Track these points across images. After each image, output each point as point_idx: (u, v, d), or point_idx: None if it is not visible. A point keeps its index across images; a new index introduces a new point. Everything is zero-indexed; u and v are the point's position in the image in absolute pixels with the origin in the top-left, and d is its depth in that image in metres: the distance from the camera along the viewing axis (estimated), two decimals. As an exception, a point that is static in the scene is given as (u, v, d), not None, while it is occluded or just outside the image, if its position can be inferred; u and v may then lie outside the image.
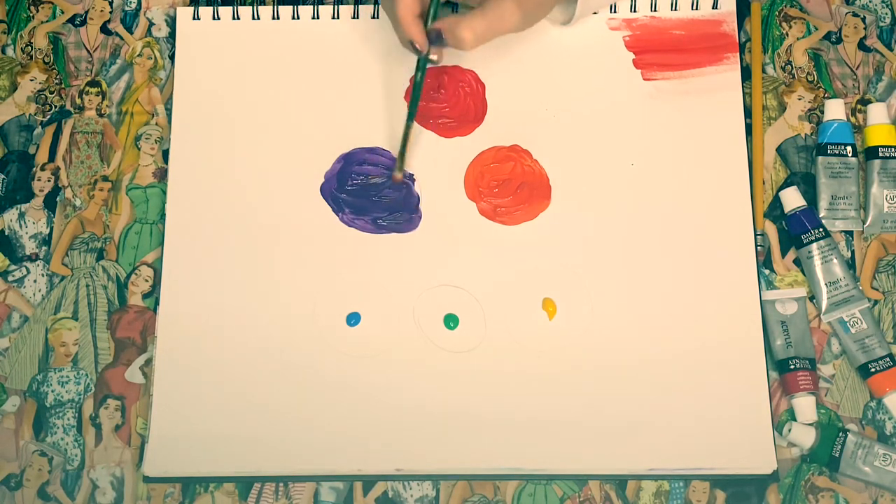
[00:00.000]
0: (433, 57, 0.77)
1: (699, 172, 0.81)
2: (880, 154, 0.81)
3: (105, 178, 0.83)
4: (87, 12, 0.87)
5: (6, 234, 0.81)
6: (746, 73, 0.83)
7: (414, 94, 0.79)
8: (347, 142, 0.82)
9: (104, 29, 0.86)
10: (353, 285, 0.79)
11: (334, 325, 0.78)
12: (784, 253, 0.80)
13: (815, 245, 0.79)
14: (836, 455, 0.75)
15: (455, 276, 0.79)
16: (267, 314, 0.78)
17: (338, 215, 0.80)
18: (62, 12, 0.87)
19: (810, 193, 0.81)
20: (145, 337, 0.79)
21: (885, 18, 0.86)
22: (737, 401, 0.76)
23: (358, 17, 0.85)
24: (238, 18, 0.85)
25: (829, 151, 0.81)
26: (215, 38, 0.85)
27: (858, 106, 0.84)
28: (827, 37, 0.86)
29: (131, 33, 0.86)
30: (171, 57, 0.85)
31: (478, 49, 0.82)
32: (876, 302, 0.79)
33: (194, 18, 0.85)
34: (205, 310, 0.78)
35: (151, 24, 0.86)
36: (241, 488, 0.76)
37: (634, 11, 0.84)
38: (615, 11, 0.84)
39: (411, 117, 0.79)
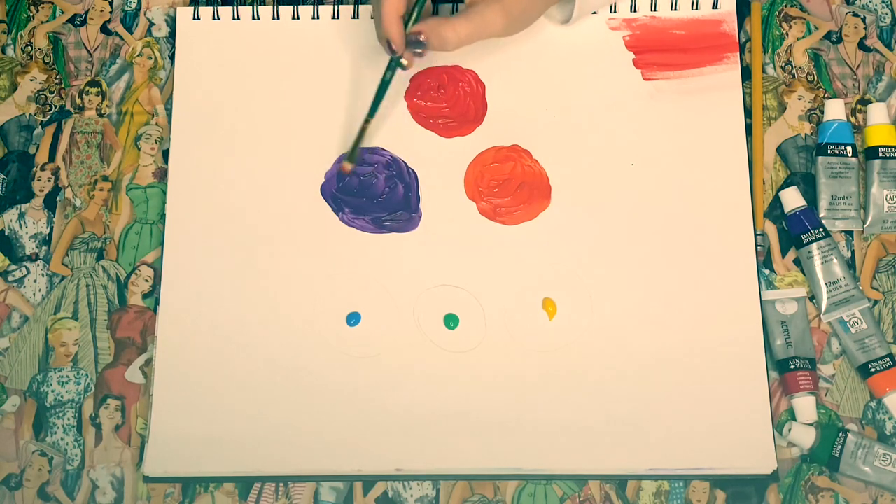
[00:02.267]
0: (404, 62, 0.77)
1: (699, 172, 0.81)
2: (880, 154, 0.81)
3: (105, 178, 0.83)
4: (87, 12, 0.87)
5: (6, 234, 0.81)
6: (746, 73, 0.83)
7: (378, 92, 0.79)
8: (347, 142, 0.82)
9: (104, 29, 0.86)
10: (353, 285, 0.79)
11: (334, 325, 0.78)
12: (784, 253, 0.81)
13: (815, 245, 0.79)
14: (836, 455, 0.75)
15: (455, 276, 0.79)
16: (267, 314, 0.78)
17: (338, 215, 0.80)
18: (62, 12, 0.87)
19: (810, 193, 0.81)
20: (145, 337, 0.79)
21: (885, 18, 0.86)
22: (737, 401, 0.76)
23: (358, 17, 0.85)
24: (238, 18, 0.85)
25: (829, 151, 0.81)
26: (215, 38, 0.85)
27: (858, 106, 0.84)
28: (827, 37, 0.86)
29: (131, 33, 0.86)
30: (171, 57, 0.85)
31: (478, 49, 0.82)
32: (876, 302, 0.79)
33: (194, 18, 0.85)
34: (205, 310, 0.78)
35: (151, 24, 0.86)
36: (241, 488, 0.76)
37: (634, 11, 0.84)
38: (615, 11, 0.84)
39: (371, 114, 0.79)
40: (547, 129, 0.82)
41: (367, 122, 0.79)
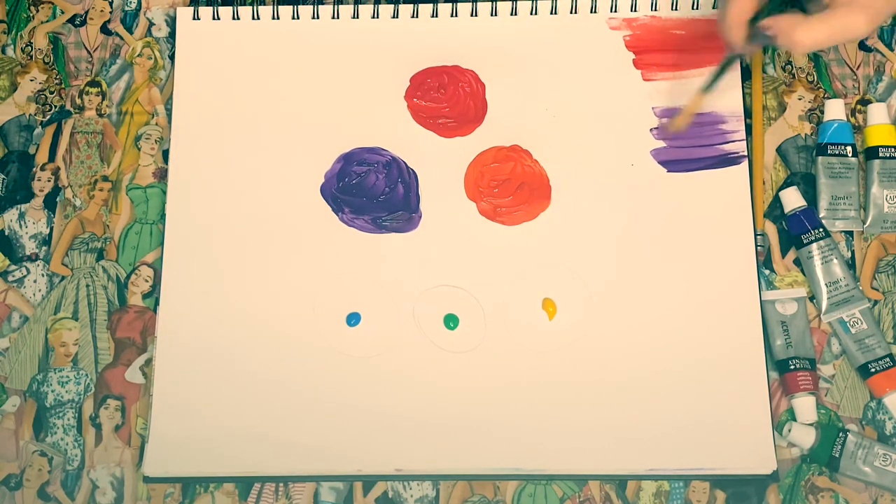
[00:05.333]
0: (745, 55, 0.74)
1: (699, 172, 0.81)
2: (880, 154, 0.81)
3: (105, 178, 0.83)
4: (87, 12, 0.87)
5: (6, 234, 0.81)
6: (746, 73, 0.83)
7: (716, 75, 0.77)
8: (347, 142, 0.82)
9: (104, 29, 0.86)
10: (353, 285, 0.79)
11: (334, 325, 0.78)
12: (784, 253, 0.81)
13: (815, 245, 0.79)
14: (836, 455, 0.75)
15: (455, 276, 0.79)
16: (267, 314, 0.78)
17: (338, 215, 0.80)
18: (62, 12, 0.87)
19: (810, 193, 0.81)
20: (145, 337, 0.79)
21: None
22: (737, 401, 0.76)
23: (358, 17, 0.85)
24: (238, 18, 0.85)
25: (829, 151, 0.81)
26: (215, 38, 0.85)
27: (858, 106, 0.83)
28: (827, 37, 0.85)
29: (131, 33, 0.86)
30: (171, 57, 0.85)
31: (478, 49, 0.82)
32: (876, 302, 0.79)
33: (194, 18, 0.85)
34: (205, 310, 0.78)
35: (151, 24, 0.86)
36: (241, 488, 0.76)
37: (635, 11, 0.84)
38: (615, 11, 0.84)
39: (707, 90, 0.78)
40: (547, 129, 0.82)
41: (702, 94, 0.78)
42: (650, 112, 0.82)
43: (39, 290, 0.80)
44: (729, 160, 0.81)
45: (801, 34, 0.69)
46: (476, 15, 0.84)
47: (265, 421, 0.76)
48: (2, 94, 0.85)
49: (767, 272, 0.80)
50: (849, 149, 0.81)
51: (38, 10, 0.87)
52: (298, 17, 0.85)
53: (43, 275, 0.80)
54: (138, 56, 0.86)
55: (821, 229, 0.79)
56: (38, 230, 0.81)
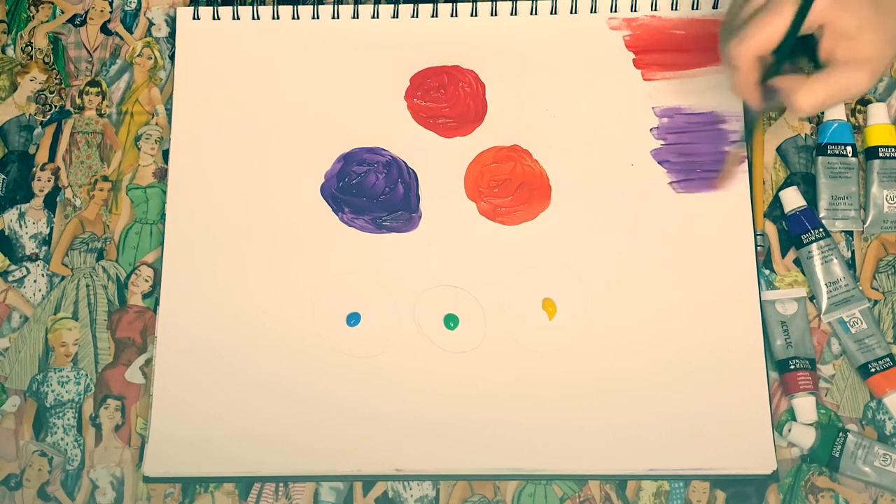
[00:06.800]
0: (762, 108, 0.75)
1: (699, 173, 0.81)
2: (880, 154, 0.81)
3: (105, 178, 0.83)
4: (87, 12, 0.87)
5: (6, 234, 0.81)
6: (746, 73, 0.83)
7: (747, 134, 0.81)
8: (347, 142, 0.82)
9: (104, 29, 0.86)
10: (353, 285, 0.79)
11: (334, 325, 0.78)
12: (784, 253, 0.80)
13: (815, 245, 0.79)
14: (836, 455, 0.75)
15: (455, 276, 0.79)
16: (267, 314, 0.78)
17: (338, 215, 0.80)
18: (62, 12, 0.87)
19: (810, 193, 0.81)
20: (145, 337, 0.79)
21: (885, 18, 0.86)
22: (737, 401, 0.76)
23: (358, 17, 0.85)
24: (238, 18, 0.85)
25: (829, 151, 0.81)
26: (215, 38, 0.85)
27: (858, 106, 0.83)
28: (827, 37, 0.85)
29: (131, 33, 0.86)
30: (171, 57, 0.85)
31: (478, 49, 0.82)
32: (876, 302, 0.79)
33: (194, 18, 0.85)
34: (205, 310, 0.78)
35: (151, 24, 0.86)
36: (241, 488, 0.76)
37: (635, 11, 0.84)
38: (615, 11, 0.84)
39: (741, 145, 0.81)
40: (547, 129, 0.82)
41: (738, 150, 0.80)
42: (650, 112, 0.82)
43: (39, 290, 0.80)
44: None
45: (800, 98, 0.69)
46: (476, 15, 0.84)
47: (265, 421, 0.76)
48: (2, 94, 0.85)
49: (767, 272, 0.80)
50: (849, 149, 0.81)
51: (38, 10, 0.87)
52: (298, 17, 0.85)
53: (43, 275, 0.80)
54: (138, 56, 0.86)
55: (821, 229, 0.79)
56: (38, 230, 0.81)
